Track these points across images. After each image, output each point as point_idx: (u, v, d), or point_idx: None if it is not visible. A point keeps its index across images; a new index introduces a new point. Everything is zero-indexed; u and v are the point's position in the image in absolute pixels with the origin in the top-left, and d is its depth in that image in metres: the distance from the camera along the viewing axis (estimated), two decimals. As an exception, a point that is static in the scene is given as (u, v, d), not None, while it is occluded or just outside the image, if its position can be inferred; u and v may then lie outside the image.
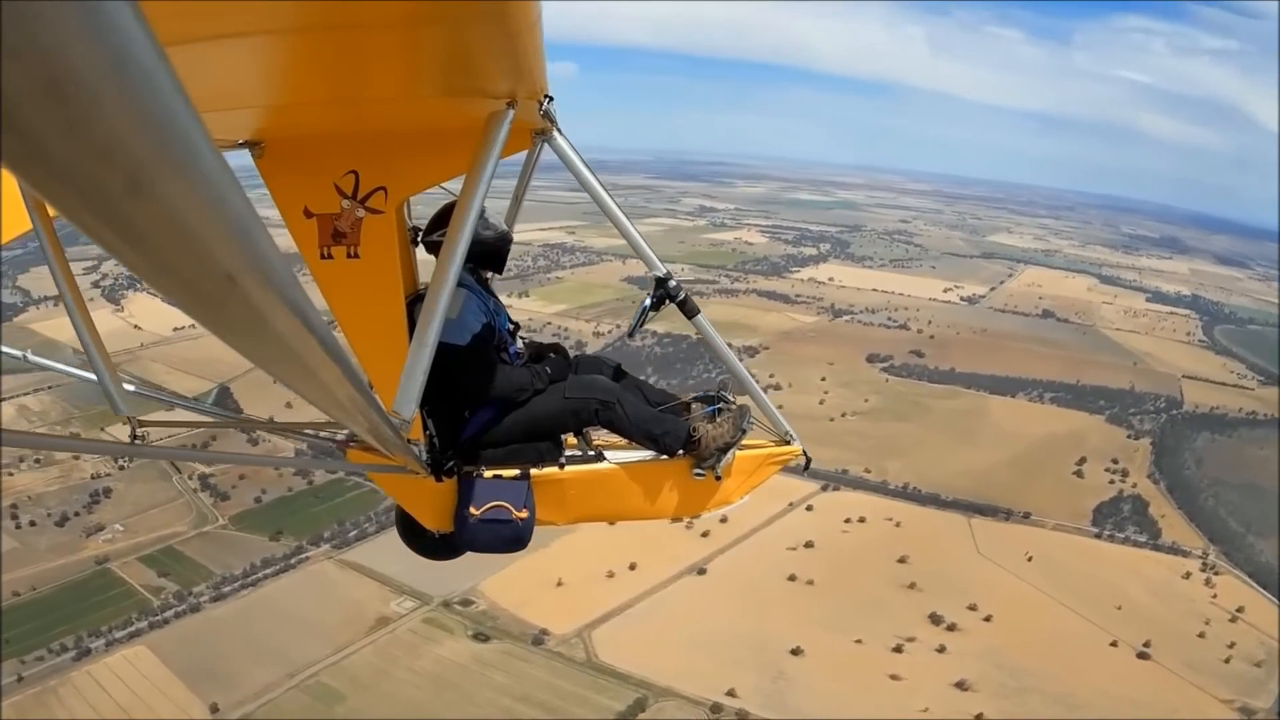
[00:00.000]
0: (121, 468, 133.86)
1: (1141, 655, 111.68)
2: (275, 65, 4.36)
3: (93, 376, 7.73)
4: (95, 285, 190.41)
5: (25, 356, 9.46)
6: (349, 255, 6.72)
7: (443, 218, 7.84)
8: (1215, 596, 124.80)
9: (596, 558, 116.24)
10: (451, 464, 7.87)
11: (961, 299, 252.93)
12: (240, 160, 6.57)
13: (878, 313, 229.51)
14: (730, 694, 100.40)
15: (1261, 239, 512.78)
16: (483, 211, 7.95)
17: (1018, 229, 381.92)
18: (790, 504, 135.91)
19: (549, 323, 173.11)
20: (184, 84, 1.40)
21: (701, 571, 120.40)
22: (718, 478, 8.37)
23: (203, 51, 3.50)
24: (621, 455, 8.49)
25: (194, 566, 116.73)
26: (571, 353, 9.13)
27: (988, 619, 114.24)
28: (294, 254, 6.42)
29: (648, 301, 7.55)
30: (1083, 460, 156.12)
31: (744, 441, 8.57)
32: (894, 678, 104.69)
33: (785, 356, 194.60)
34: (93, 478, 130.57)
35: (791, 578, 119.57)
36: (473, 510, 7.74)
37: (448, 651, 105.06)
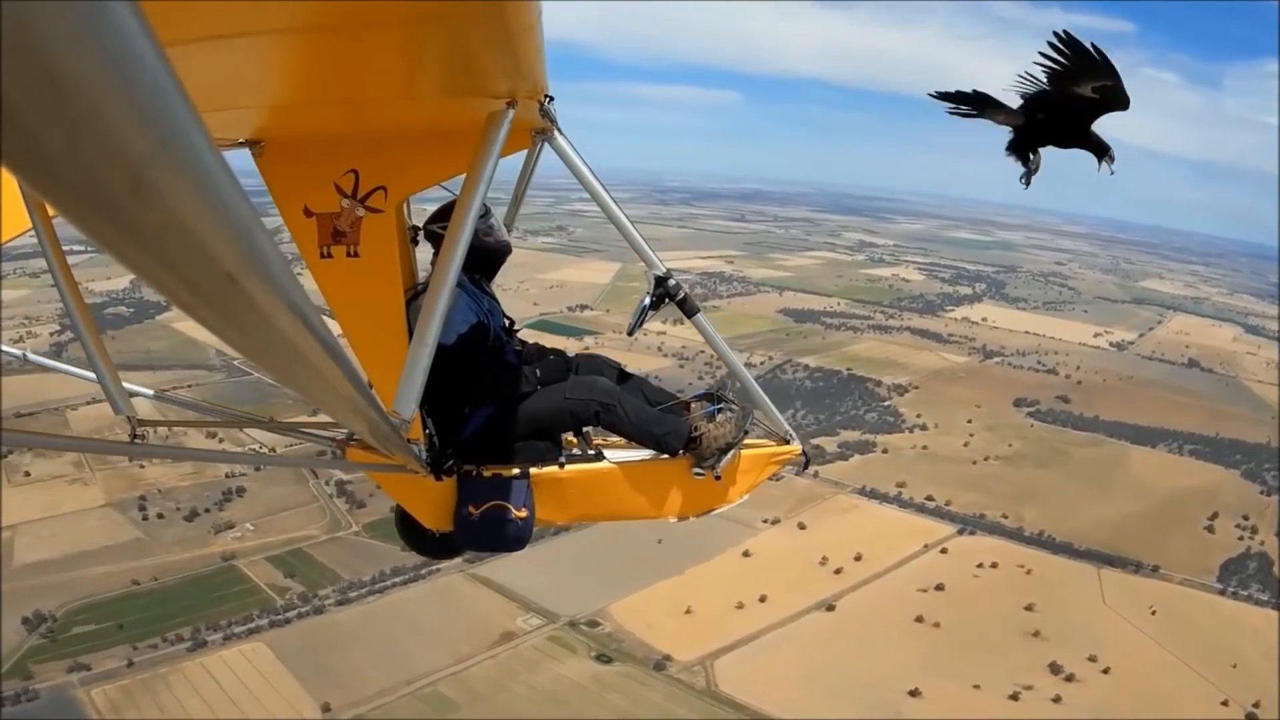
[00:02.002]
0: (258, 469, 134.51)
1: (1250, 717, 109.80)
2: (275, 65, 4.48)
3: (92, 376, 7.90)
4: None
5: (25, 356, 9.76)
6: (349, 254, 6.88)
7: (446, 211, 7.78)
8: None
9: (728, 588, 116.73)
10: (451, 463, 7.98)
11: (1111, 344, 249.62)
12: (240, 159, 6.75)
13: (1028, 355, 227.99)
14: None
15: None
16: (489, 214, 8.28)
17: (1169, 275, 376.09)
18: (925, 545, 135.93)
19: (701, 351, 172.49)
20: (184, 84, 1.40)
21: (830, 608, 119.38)
22: (717, 477, 8.42)
23: (203, 51, 3.62)
24: (621, 455, 8.60)
25: (322, 570, 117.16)
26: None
27: (1106, 671, 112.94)
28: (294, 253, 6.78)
29: (647, 300, 7.72)
30: (1215, 515, 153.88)
31: (744, 441, 8.65)
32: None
33: (934, 396, 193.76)
34: (227, 476, 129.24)
35: (919, 619, 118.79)
36: (472, 509, 7.90)
37: (568, 670, 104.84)
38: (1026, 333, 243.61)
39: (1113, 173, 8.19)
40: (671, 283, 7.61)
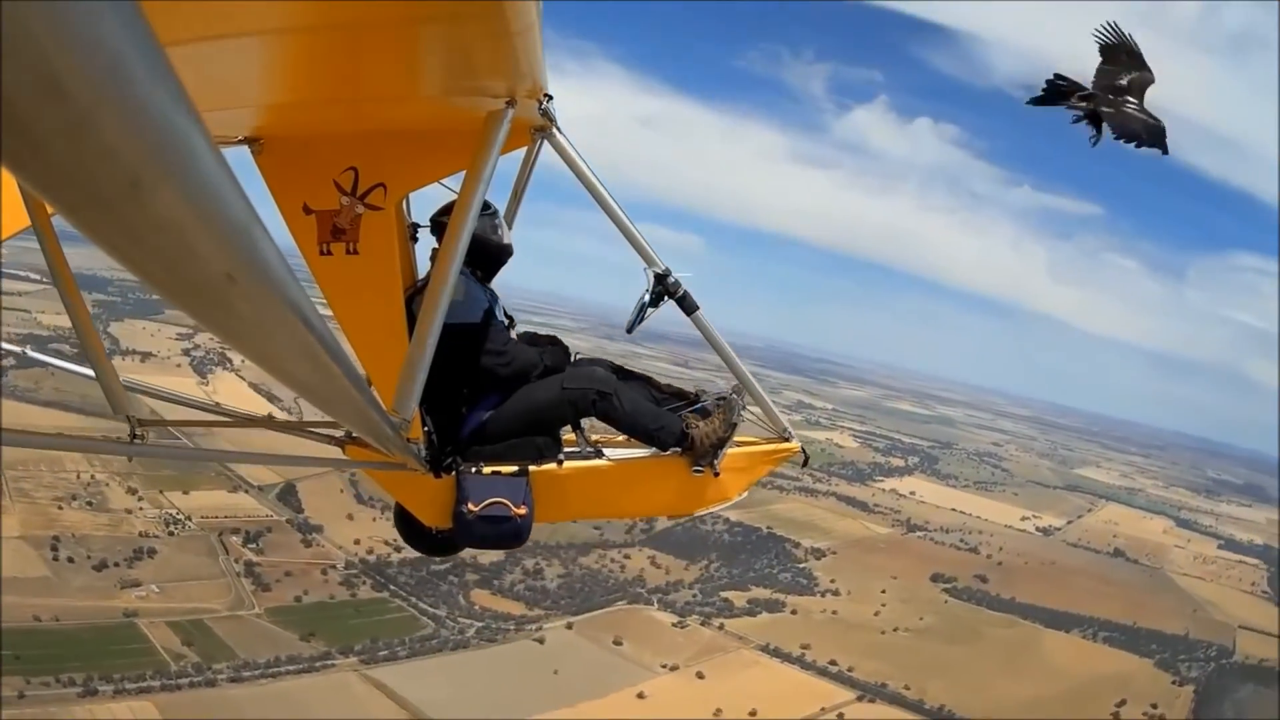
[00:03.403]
0: (171, 533, 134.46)
1: None
2: (275, 64, 4.51)
3: (91, 374, 7.82)
4: (185, 354, 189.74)
5: (24, 353, 9.79)
6: (348, 252, 6.82)
7: (452, 206, 7.41)
8: None
9: None
10: (450, 461, 7.94)
11: (1037, 529, 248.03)
12: (240, 159, 6.70)
13: (952, 533, 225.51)
14: None
15: None
16: (496, 213, 8.28)
17: (1106, 464, 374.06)
18: (823, 709, 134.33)
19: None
20: (184, 83, 1.40)
21: None
22: (716, 474, 8.37)
23: (203, 51, 3.60)
24: (620, 452, 8.55)
25: (219, 645, 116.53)
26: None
27: None
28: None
29: (646, 297, 7.70)
30: (1122, 703, 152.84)
31: (744, 439, 8.69)
32: None
33: (851, 564, 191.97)
34: (140, 535, 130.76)
35: None
36: (471, 507, 7.73)
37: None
38: (953, 510, 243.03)
39: (1165, 153, 8.48)
40: (671, 280, 7.60)
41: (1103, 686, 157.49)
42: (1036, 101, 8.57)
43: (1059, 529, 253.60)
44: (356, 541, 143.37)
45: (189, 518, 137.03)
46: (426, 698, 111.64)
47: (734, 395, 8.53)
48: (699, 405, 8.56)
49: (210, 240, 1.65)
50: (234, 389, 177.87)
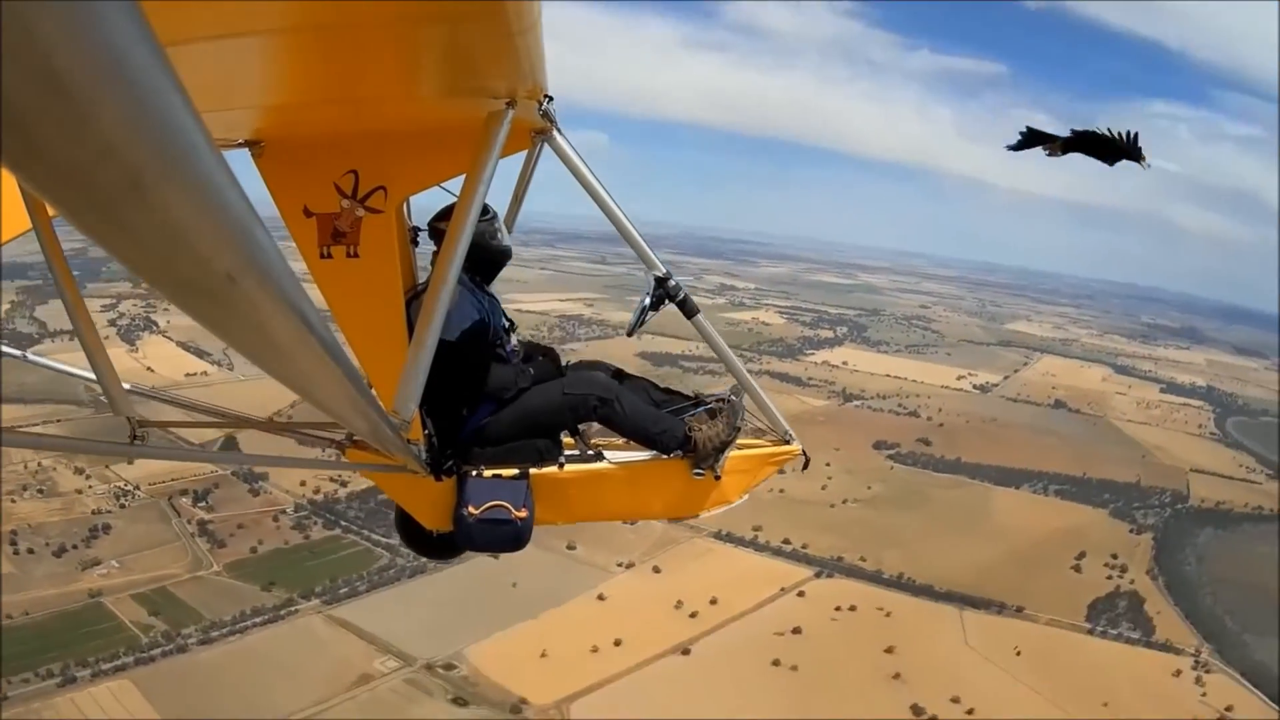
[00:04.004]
0: (123, 505, 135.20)
1: None
2: (275, 65, 4.46)
3: (92, 376, 7.82)
4: (111, 324, 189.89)
5: (25, 356, 9.55)
6: (349, 254, 6.79)
7: (451, 210, 7.33)
8: (1205, 695, 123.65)
9: (583, 632, 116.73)
10: (451, 463, 7.92)
11: (974, 387, 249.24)
12: (239, 160, 6.64)
13: (889, 399, 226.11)
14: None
15: None
16: (495, 217, 8.23)
17: (1038, 317, 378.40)
18: (782, 589, 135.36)
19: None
20: (184, 84, 1.40)
21: (686, 652, 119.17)
22: (717, 477, 8.38)
23: (203, 51, 3.55)
24: (621, 455, 8.52)
25: (185, 609, 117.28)
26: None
27: (970, 712, 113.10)
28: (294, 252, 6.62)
29: (647, 300, 7.68)
30: (1082, 555, 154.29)
31: (745, 441, 8.65)
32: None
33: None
34: (93, 513, 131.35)
35: (776, 663, 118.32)
36: (471, 510, 7.75)
37: (426, 713, 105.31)
38: (888, 376, 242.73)
39: (1148, 167, 8.49)
40: (672, 283, 7.61)
41: (1059, 540, 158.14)
42: (1016, 148, 8.78)
43: (996, 385, 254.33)
44: (302, 483, 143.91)
45: (137, 487, 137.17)
46: (393, 629, 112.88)
47: (735, 398, 8.61)
48: (703, 408, 8.57)
49: (210, 240, 1.65)
50: (163, 351, 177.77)
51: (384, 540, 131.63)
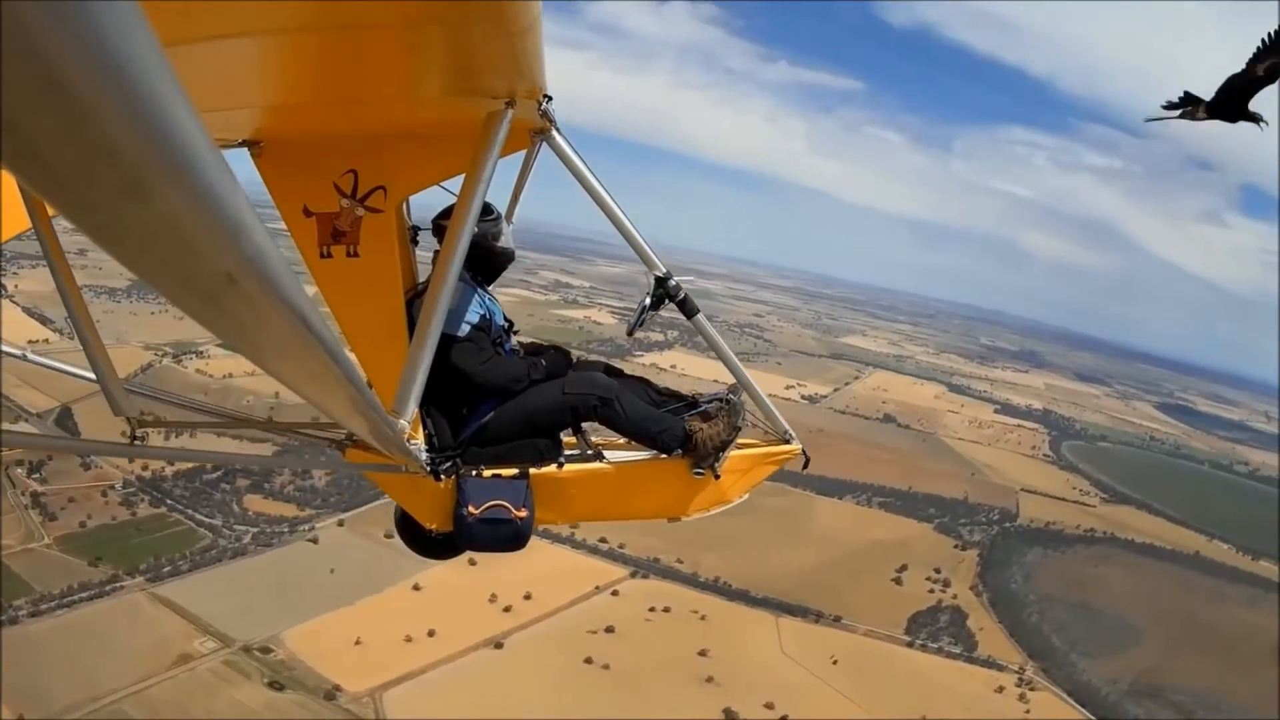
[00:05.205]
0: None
1: None
2: (275, 65, 4.51)
3: (92, 376, 7.89)
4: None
5: (25, 355, 9.65)
6: (348, 254, 6.87)
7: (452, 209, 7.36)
8: (1029, 712, 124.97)
9: (397, 621, 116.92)
10: (450, 463, 7.92)
11: (803, 397, 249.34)
12: (239, 160, 6.72)
13: (714, 404, 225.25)
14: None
15: (1128, 358, 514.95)
16: (498, 218, 8.30)
17: (873, 332, 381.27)
18: (597, 587, 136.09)
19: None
20: (184, 84, 1.40)
21: (499, 645, 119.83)
22: (717, 476, 8.45)
23: (203, 51, 3.62)
24: (620, 455, 8.56)
25: (17, 581, 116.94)
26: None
27: (783, 718, 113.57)
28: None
29: (647, 300, 7.77)
30: (904, 568, 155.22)
31: (743, 441, 8.72)
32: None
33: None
34: None
35: (588, 660, 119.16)
36: (471, 509, 7.77)
37: (243, 695, 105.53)
38: (715, 381, 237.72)
39: (1264, 127, 8.91)
40: (672, 283, 7.70)
41: (881, 552, 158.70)
42: (1169, 108, 9.23)
43: (825, 396, 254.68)
44: (131, 460, 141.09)
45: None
46: (214, 610, 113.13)
47: (734, 397, 8.73)
48: (701, 408, 8.69)
49: (210, 240, 1.67)
50: (7, 316, 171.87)
51: (207, 520, 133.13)
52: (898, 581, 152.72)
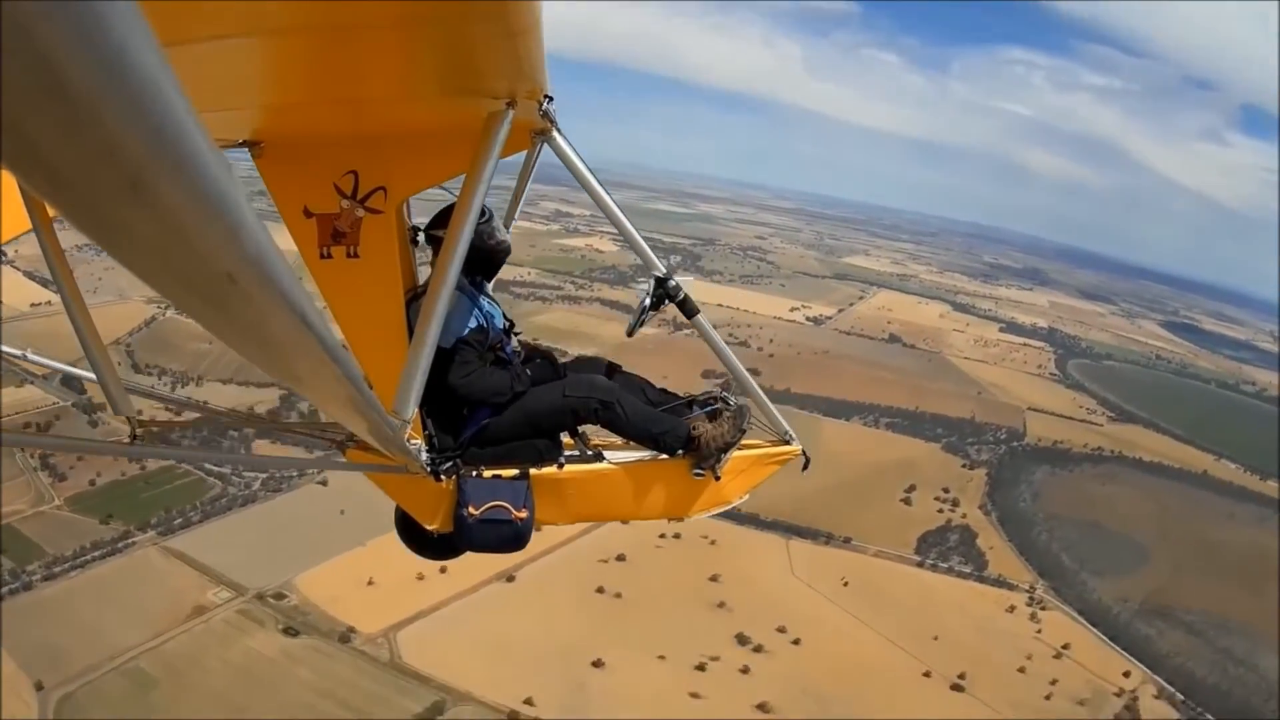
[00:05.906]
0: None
1: (955, 687, 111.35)
2: (275, 65, 4.48)
3: (92, 376, 7.90)
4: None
5: (25, 355, 9.57)
6: (349, 255, 6.85)
7: (446, 215, 7.63)
8: (1040, 632, 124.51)
9: (409, 559, 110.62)
10: (451, 464, 7.89)
11: (807, 319, 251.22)
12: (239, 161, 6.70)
13: (720, 328, 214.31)
14: (528, 702, 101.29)
15: (1131, 276, 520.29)
16: (491, 216, 8.13)
17: (876, 252, 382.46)
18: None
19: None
20: (184, 84, 1.39)
21: (510, 579, 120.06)
22: (717, 477, 8.37)
23: (203, 51, 3.60)
24: (620, 455, 8.52)
25: (29, 545, 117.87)
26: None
27: (796, 642, 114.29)
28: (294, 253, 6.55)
29: (647, 300, 7.74)
30: (912, 488, 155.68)
31: (744, 440, 8.56)
32: (694, 695, 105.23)
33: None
34: None
35: (600, 590, 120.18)
36: (472, 510, 7.75)
37: (258, 644, 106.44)
38: (720, 305, 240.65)
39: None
40: (672, 283, 7.70)
41: (889, 472, 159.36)
42: None
43: (830, 318, 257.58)
44: (139, 411, 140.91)
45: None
46: (226, 560, 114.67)
47: (735, 397, 8.66)
48: (705, 408, 8.60)
49: (210, 240, 1.66)
50: (9, 280, 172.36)
51: (215, 470, 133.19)
52: (906, 502, 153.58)
